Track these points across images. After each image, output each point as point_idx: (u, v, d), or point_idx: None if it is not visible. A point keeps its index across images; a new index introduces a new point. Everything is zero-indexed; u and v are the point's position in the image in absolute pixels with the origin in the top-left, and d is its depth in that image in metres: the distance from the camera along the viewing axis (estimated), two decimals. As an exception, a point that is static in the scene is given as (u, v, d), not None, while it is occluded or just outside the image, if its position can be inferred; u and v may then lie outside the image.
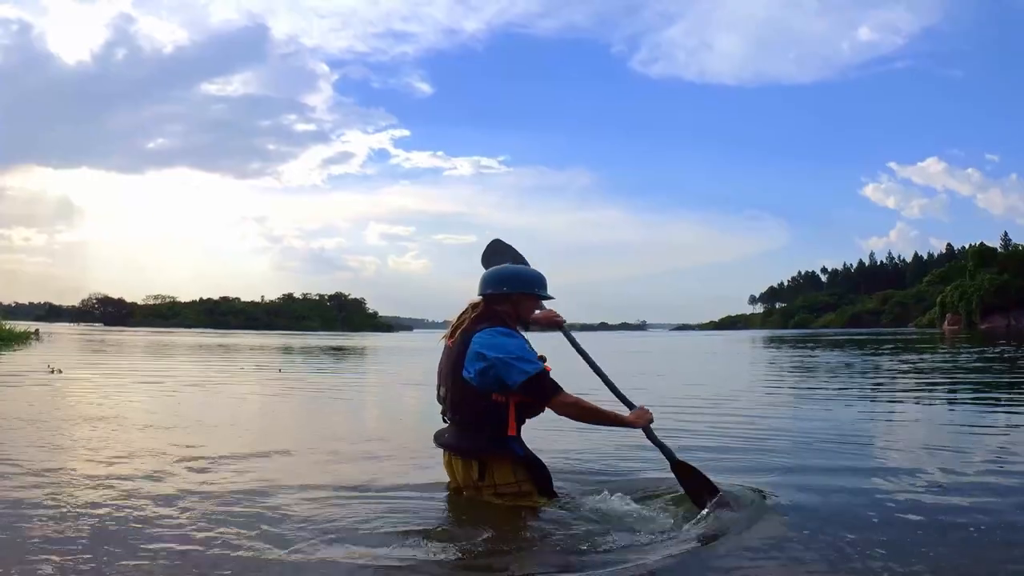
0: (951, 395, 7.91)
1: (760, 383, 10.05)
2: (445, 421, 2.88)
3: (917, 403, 7.20)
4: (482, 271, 2.95)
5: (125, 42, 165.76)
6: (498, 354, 2.63)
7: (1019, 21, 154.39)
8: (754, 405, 6.87)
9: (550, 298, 2.93)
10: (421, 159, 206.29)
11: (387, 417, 6.60)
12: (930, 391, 8.34)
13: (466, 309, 2.85)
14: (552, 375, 2.74)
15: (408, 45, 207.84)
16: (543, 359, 2.79)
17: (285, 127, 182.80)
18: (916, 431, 5.25)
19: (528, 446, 2.80)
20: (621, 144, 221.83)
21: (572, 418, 2.74)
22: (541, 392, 2.66)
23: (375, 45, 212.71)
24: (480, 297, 2.84)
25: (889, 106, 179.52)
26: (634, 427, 2.81)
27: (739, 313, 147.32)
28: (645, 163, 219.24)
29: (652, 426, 2.83)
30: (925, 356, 15.61)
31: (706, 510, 2.64)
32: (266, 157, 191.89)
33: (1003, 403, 7.09)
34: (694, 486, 2.78)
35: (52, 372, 9.93)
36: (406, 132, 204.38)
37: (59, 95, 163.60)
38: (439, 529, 2.59)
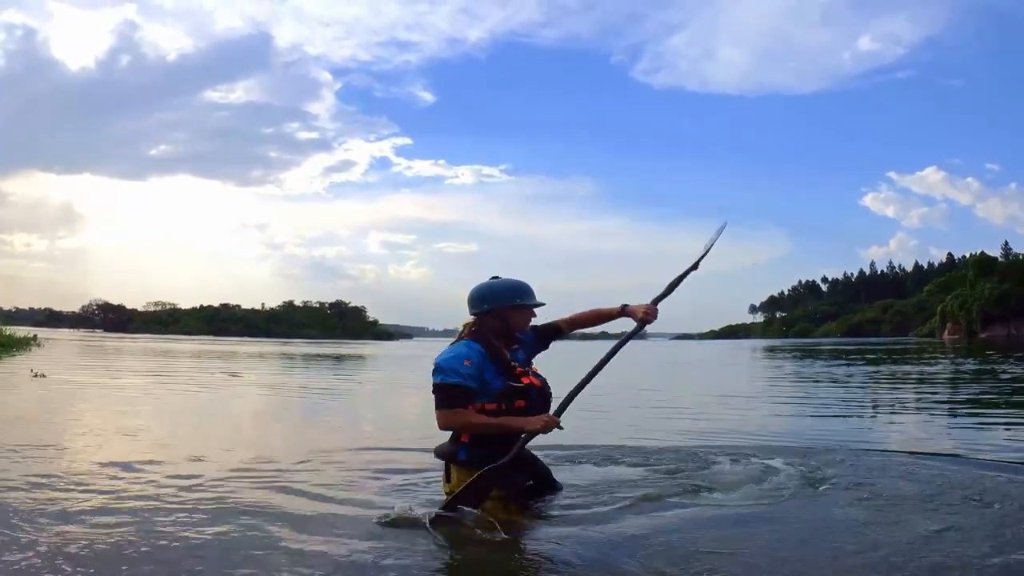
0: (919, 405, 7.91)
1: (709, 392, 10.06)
2: None
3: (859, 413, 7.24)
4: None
5: (129, 49, 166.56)
6: (436, 360, 2.79)
7: (1020, 30, 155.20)
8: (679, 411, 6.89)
9: (539, 304, 2.98)
10: (423, 167, 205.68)
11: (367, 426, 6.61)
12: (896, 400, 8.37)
13: (463, 329, 2.94)
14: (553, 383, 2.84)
15: (411, 54, 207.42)
16: (528, 370, 2.88)
17: (287, 135, 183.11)
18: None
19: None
20: (623, 153, 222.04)
21: (460, 431, 2.79)
22: (436, 400, 2.76)
23: (378, 54, 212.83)
24: (473, 317, 2.94)
25: (889, 115, 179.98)
26: (524, 430, 2.75)
27: (739, 322, 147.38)
28: (647, 172, 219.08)
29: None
30: (905, 367, 15.60)
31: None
32: (268, 165, 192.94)
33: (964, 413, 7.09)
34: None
35: (35, 376, 10.06)
36: (408, 140, 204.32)
37: (62, 101, 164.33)
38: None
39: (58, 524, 2.63)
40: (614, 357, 2.89)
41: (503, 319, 2.88)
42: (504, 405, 2.77)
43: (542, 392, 2.90)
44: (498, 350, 2.84)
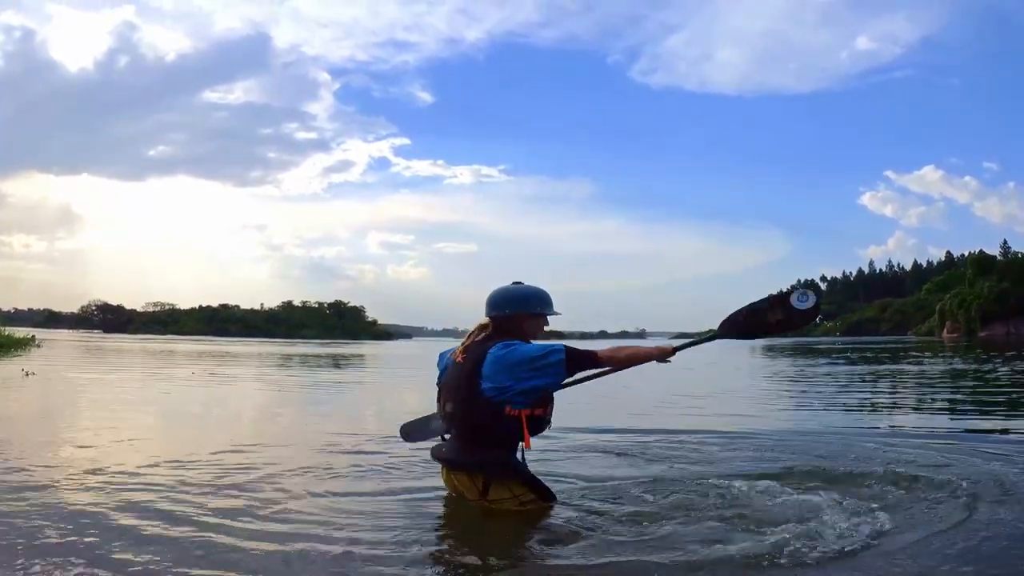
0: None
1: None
2: (443, 438, 2.95)
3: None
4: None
5: (128, 50, 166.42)
6: (524, 357, 2.70)
7: (1017, 30, 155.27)
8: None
9: (555, 314, 2.96)
10: (421, 168, 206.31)
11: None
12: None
13: (474, 330, 2.90)
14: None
15: (409, 54, 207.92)
16: None
17: (286, 135, 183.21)
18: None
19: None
20: (622, 154, 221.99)
21: (617, 368, 2.83)
22: (583, 361, 2.75)
23: (376, 54, 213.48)
24: (488, 319, 2.90)
25: (887, 115, 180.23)
26: (664, 357, 2.85)
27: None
28: (646, 173, 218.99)
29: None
30: (893, 366, 15.61)
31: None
32: (267, 165, 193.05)
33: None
34: (755, 319, 2.97)
35: (26, 375, 10.26)
36: (407, 141, 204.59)
37: (61, 102, 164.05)
38: (452, 534, 2.66)
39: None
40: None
41: (520, 325, 2.86)
42: (533, 410, 2.75)
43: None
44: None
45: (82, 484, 3.32)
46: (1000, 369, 13.03)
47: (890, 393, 9.47)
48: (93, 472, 3.57)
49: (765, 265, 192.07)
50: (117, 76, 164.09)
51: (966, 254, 79.91)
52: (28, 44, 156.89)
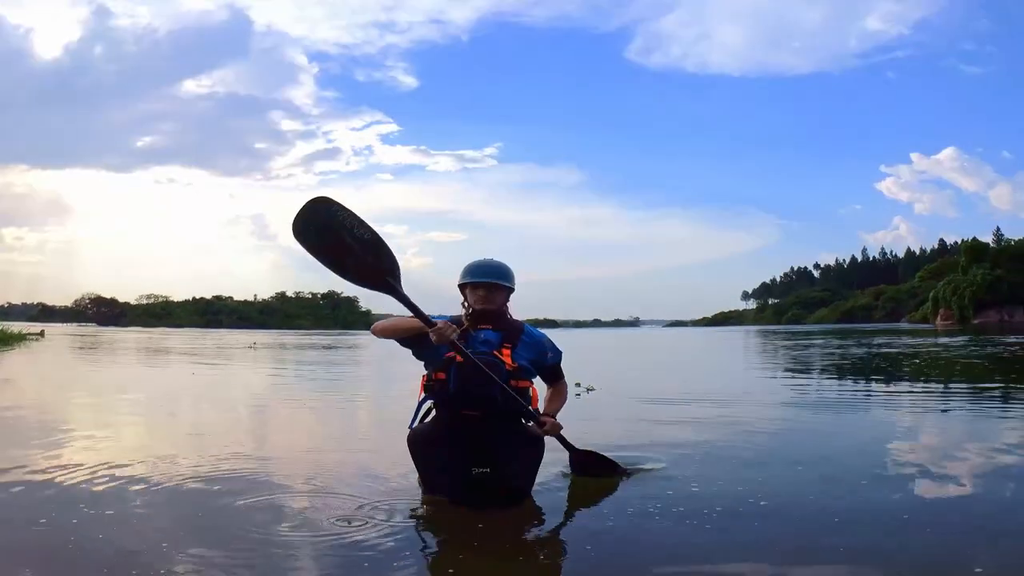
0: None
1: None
2: None
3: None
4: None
5: (110, 37, 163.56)
6: None
7: (1016, 22, 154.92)
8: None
9: (481, 282, 2.91)
10: (407, 154, 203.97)
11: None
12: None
13: None
14: None
15: (394, 36, 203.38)
16: (474, 350, 2.81)
17: (272, 123, 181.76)
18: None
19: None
20: (612, 139, 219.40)
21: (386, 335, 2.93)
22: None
23: (360, 37, 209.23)
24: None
25: (886, 99, 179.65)
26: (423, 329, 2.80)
27: (732, 309, 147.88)
28: (638, 159, 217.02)
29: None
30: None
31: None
32: (254, 154, 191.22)
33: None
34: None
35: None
36: (393, 127, 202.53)
37: (45, 94, 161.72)
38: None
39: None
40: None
41: (464, 296, 2.98)
42: (434, 374, 2.87)
43: (472, 374, 2.76)
44: (460, 323, 2.88)
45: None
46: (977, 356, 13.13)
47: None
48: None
49: (757, 251, 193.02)
50: (100, 65, 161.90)
51: (959, 241, 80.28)
52: (3, 33, 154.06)
